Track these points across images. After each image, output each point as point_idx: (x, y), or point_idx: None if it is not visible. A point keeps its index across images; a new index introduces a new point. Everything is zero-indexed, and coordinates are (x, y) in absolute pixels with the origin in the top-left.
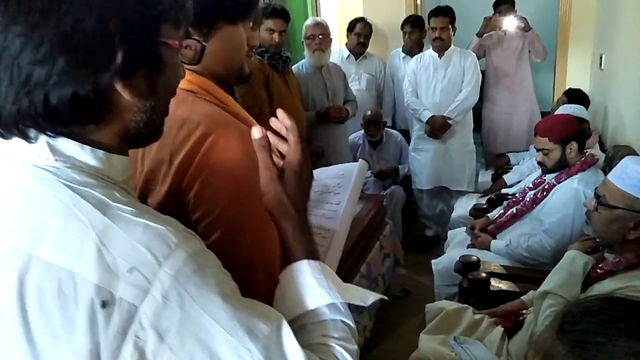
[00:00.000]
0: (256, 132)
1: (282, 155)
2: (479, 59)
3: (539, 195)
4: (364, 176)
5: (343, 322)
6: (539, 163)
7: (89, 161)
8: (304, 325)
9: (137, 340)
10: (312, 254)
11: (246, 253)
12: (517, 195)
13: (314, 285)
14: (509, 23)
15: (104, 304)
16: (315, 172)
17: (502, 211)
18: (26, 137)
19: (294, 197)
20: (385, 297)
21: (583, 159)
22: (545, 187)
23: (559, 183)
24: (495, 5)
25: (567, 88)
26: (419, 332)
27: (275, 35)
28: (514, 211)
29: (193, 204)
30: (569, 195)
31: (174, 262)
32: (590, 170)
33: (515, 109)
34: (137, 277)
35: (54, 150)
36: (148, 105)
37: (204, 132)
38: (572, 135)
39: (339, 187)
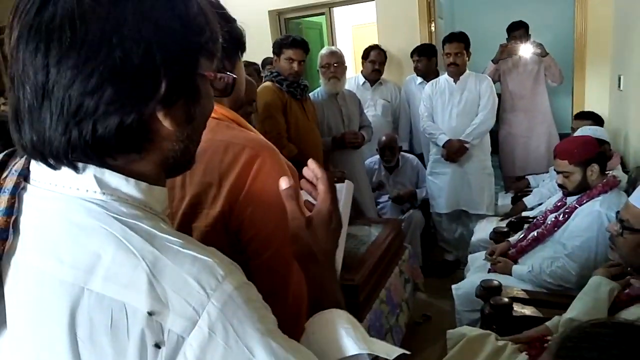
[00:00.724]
0: (284, 182)
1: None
2: (494, 83)
3: (560, 219)
4: (351, 195)
5: None
6: (560, 185)
7: (134, 193)
8: None
9: None
10: (340, 304)
11: (296, 274)
12: (538, 218)
13: (342, 335)
14: (525, 49)
15: (157, 345)
16: (303, 192)
17: (523, 235)
18: (75, 168)
19: (323, 246)
20: (408, 352)
21: (605, 180)
22: (567, 210)
23: (580, 206)
24: (509, 31)
25: (584, 110)
26: (441, 359)
27: (295, 65)
28: (535, 234)
29: (247, 225)
30: (592, 218)
31: (221, 295)
32: (612, 192)
33: (533, 132)
34: (186, 308)
35: (100, 183)
36: (185, 134)
37: (252, 155)
38: (592, 157)
39: None
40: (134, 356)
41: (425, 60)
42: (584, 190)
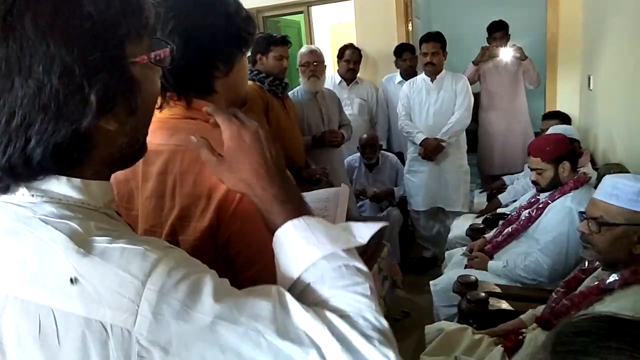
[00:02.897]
0: (193, 138)
1: None
2: (473, 83)
3: (533, 214)
4: (347, 199)
5: (346, 266)
6: (533, 182)
7: (66, 192)
8: (307, 286)
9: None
10: (296, 212)
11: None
12: (513, 214)
13: (302, 245)
14: (506, 53)
15: (102, 345)
16: (326, 222)
17: (497, 231)
18: (5, 190)
19: (248, 173)
20: (387, 224)
21: (576, 177)
22: (540, 205)
23: (552, 202)
24: (489, 31)
25: (557, 109)
26: (419, 354)
27: (285, 62)
28: (510, 230)
29: (234, 240)
30: (563, 213)
31: (156, 278)
32: (583, 188)
33: (510, 132)
34: (122, 301)
35: (29, 186)
36: (129, 126)
37: None
38: (564, 155)
39: (325, 210)
40: (73, 358)
41: (416, 58)
42: (556, 187)
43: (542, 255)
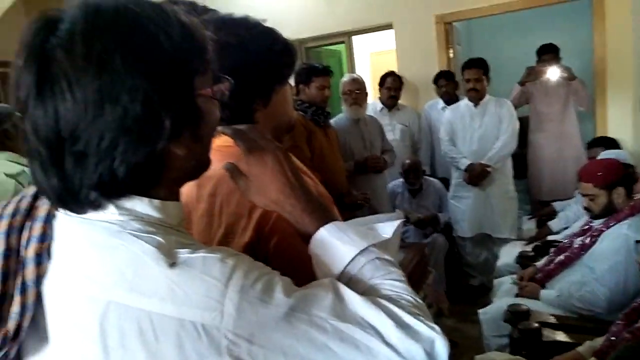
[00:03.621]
0: (226, 165)
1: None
2: (521, 105)
3: (587, 242)
4: (402, 226)
5: (379, 259)
6: (586, 209)
7: (149, 212)
8: (349, 280)
9: (231, 352)
10: (325, 219)
11: None
12: (564, 242)
13: (338, 245)
14: (553, 72)
15: (197, 341)
16: (354, 221)
17: (549, 259)
18: (97, 207)
19: (272, 193)
20: (404, 219)
21: (632, 203)
22: (594, 233)
23: (608, 229)
24: (539, 54)
25: (608, 135)
26: None
27: (327, 91)
28: (562, 258)
29: (272, 255)
30: (620, 241)
31: (236, 280)
32: (638, 215)
33: (561, 156)
34: (209, 302)
35: (117, 205)
36: (195, 152)
37: None
38: (617, 180)
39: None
40: (172, 356)
41: (452, 84)
42: (610, 213)
43: (598, 285)
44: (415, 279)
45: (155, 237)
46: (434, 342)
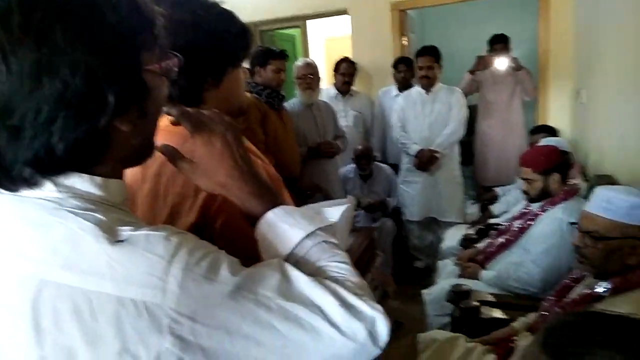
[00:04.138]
0: (162, 147)
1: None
2: (471, 94)
3: (525, 225)
4: (353, 211)
5: (325, 242)
6: (524, 192)
7: (89, 189)
8: (296, 262)
9: (173, 330)
10: (273, 202)
11: None
12: (504, 225)
13: (285, 229)
14: (501, 62)
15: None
16: (309, 207)
17: (490, 241)
18: (32, 185)
19: (220, 176)
20: (351, 203)
21: (566, 188)
22: (531, 216)
23: (543, 212)
24: (491, 43)
25: (548, 123)
26: None
27: (282, 75)
28: (502, 241)
29: (217, 236)
30: (554, 225)
31: (181, 258)
32: (573, 200)
33: (505, 143)
34: (151, 279)
35: (56, 182)
36: (141, 128)
37: None
38: (554, 167)
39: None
40: (110, 335)
41: (410, 71)
42: (545, 197)
43: (533, 266)
44: (363, 262)
45: (95, 214)
46: (375, 321)
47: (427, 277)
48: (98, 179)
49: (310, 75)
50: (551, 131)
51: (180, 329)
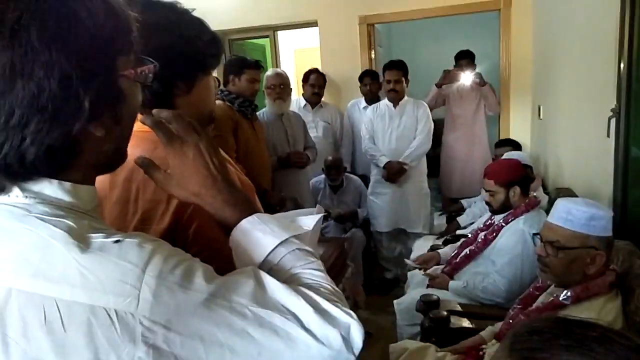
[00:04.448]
0: (138, 159)
1: None
2: (437, 107)
3: (489, 237)
4: (321, 220)
5: (299, 249)
6: (487, 203)
7: (58, 195)
8: (270, 269)
9: (146, 339)
10: (247, 211)
11: None
12: (470, 236)
13: (259, 236)
14: (466, 77)
15: (109, 329)
16: (283, 215)
17: (456, 252)
18: (1, 191)
19: (193, 186)
20: (324, 213)
21: (527, 201)
22: (495, 228)
23: (506, 224)
24: (456, 58)
25: (510, 137)
26: None
27: (256, 85)
28: (468, 252)
29: (192, 241)
30: (517, 236)
31: (155, 265)
32: (534, 211)
33: (471, 157)
34: (124, 288)
35: (23, 188)
36: (115, 134)
37: None
38: (516, 180)
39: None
40: (81, 345)
41: (376, 84)
42: (507, 210)
43: (498, 277)
44: (334, 273)
45: (65, 221)
46: (350, 327)
47: (396, 287)
48: (67, 184)
49: (280, 86)
50: (515, 145)
51: (154, 337)
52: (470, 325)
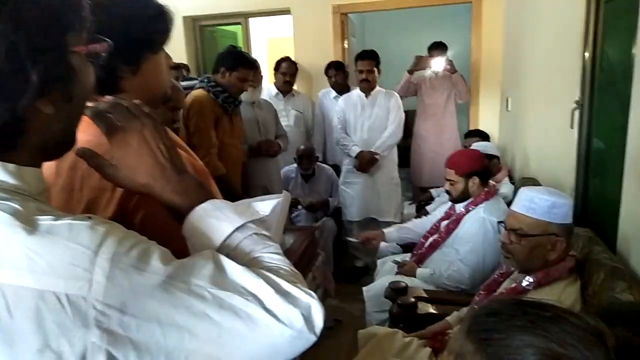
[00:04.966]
0: (79, 150)
1: None
2: (409, 96)
3: (451, 226)
4: (288, 206)
5: (256, 234)
6: (447, 192)
7: (1, 177)
8: (227, 255)
9: (99, 323)
10: (200, 198)
11: None
12: (433, 226)
13: (214, 223)
14: (438, 63)
15: (59, 313)
16: (241, 202)
17: (422, 241)
18: None
19: (139, 171)
20: (284, 196)
21: (486, 189)
22: (456, 217)
23: (467, 213)
24: (430, 49)
25: (479, 128)
26: (352, 359)
27: (246, 85)
28: (432, 241)
29: (140, 229)
30: (478, 224)
31: (108, 247)
32: (492, 199)
33: (441, 147)
34: (75, 271)
35: None
36: (65, 113)
37: None
38: (475, 171)
39: (266, 215)
40: (29, 332)
41: (342, 74)
42: (466, 199)
43: (462, 265)
44: (305, 261)
45: (9, 203)
46: (311, 307)
47: (366, 275)
48: (11, 166)
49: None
50: (484, 135)
51: (108, 321)
52: (437, 311)
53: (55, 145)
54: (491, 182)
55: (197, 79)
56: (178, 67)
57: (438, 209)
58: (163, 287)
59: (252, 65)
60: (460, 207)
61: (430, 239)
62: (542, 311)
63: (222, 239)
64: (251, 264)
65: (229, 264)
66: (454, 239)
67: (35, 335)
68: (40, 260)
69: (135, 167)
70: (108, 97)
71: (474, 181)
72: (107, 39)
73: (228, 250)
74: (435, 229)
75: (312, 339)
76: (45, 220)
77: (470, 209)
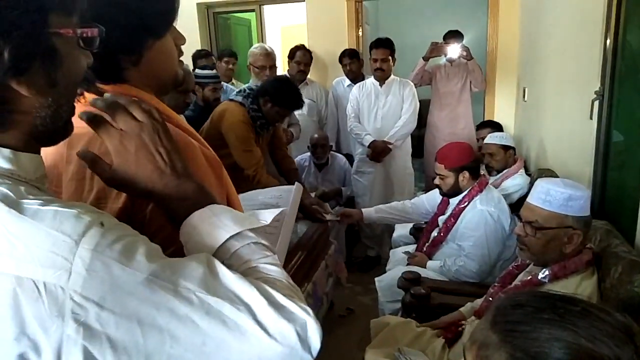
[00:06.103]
0: (80, 153)
1: None
2: (423, 85)
3: (450, 221)
4: (300, 196)
5: (255, 243)
6: (437, 186)
7: None
8: (223, 263)
9: (76, 316)
10: (199, 204)
11: None
12: (429, 222)
13: (209, 230)
14: (453, 50)
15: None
16: (254, 192)
17: (422, 239)
18: None
19: (138, 177)
20: (285, 209)
21: (478, 181)
22: (454, 212)
23: (464, 207)
24: (445, 38)
25: (494, 118)
26: (364, 347)
27: (283, 120)
28: (435, 235)
29: (149, 221)
30: (477, 217)
31: (90, 238)
32: (485, 190)
33: (456, 137)
34: (55, 259)
35: None
36: (50, 99)
37: None
38: (465, 165)
39: (277, 206)
40: (6, 318)
41: (357, 63)
42: (457, 193)
43: (468, 260)
44: (317, 250)
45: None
46: (306, 324)
47: (378, 265)
48: (6, 151)
49: (270, 67)
50: (497, 126)
51: (85, 315)
52: (451, 302)
53: (46, 132)
54: (482, 173)
55: (212, 69)
56: (208, 54)
57: (425, 196)
58: (146, 285)
59: (294, 107)
60: (455, 201)
61: (434, 234)
62: (570, 305)
63: (216, 245)
64: (246, 273)
65: (222, 270)
66: (455, 235)
67: (12, 322)
68: (20, 245)
69: (134, 174)
70: (106, 95)
71: (464, 175)
72: (98, 25)
73: (223, 257)
74: (431, 225)
75: (307, 358)
76: (32, 205)
77: (466, 202)
